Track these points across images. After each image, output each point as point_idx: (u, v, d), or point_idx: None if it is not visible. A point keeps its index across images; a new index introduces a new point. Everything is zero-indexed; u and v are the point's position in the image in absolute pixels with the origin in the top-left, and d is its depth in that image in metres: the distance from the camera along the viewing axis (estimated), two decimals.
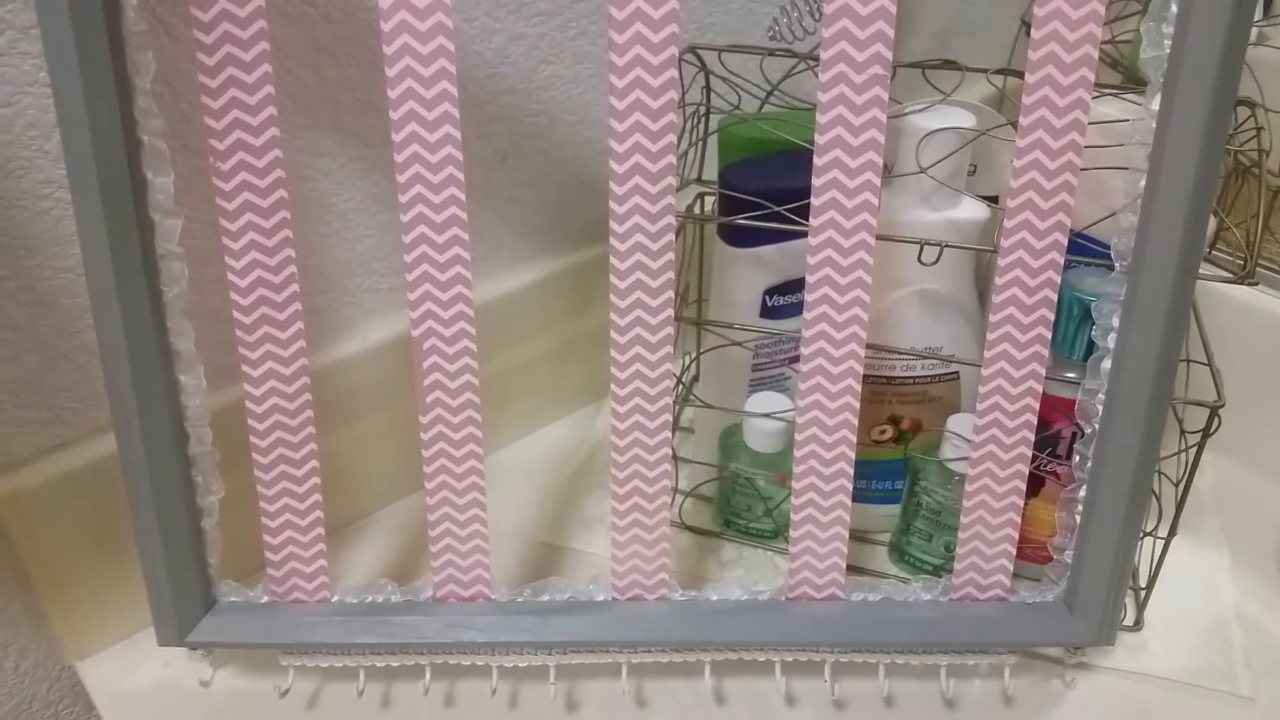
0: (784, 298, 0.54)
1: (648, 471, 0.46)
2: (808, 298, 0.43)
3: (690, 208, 0.60)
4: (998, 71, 0.53)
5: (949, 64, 0.54)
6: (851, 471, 0.45)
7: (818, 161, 0.41)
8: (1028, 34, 0.82)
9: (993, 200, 0.56)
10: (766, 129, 0.51)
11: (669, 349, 0.44)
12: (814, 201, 0.41)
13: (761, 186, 0.50)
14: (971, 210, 0.51)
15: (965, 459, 0.52)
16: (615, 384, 0.45)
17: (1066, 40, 0.39)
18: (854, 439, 0.45)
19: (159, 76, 0.44)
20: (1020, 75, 0.54)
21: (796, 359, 0.57)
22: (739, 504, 0.58)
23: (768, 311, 0.55)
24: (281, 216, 0.42)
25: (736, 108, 0.58)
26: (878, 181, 0.41)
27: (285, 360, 0.44)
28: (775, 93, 0.56)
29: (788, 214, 0.48)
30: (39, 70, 0.43)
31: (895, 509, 0.57)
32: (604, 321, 0.68)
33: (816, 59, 0.57)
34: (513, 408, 0.67)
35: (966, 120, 0.49)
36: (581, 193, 0.64)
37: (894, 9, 0.38)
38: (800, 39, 0.62)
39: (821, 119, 0.40)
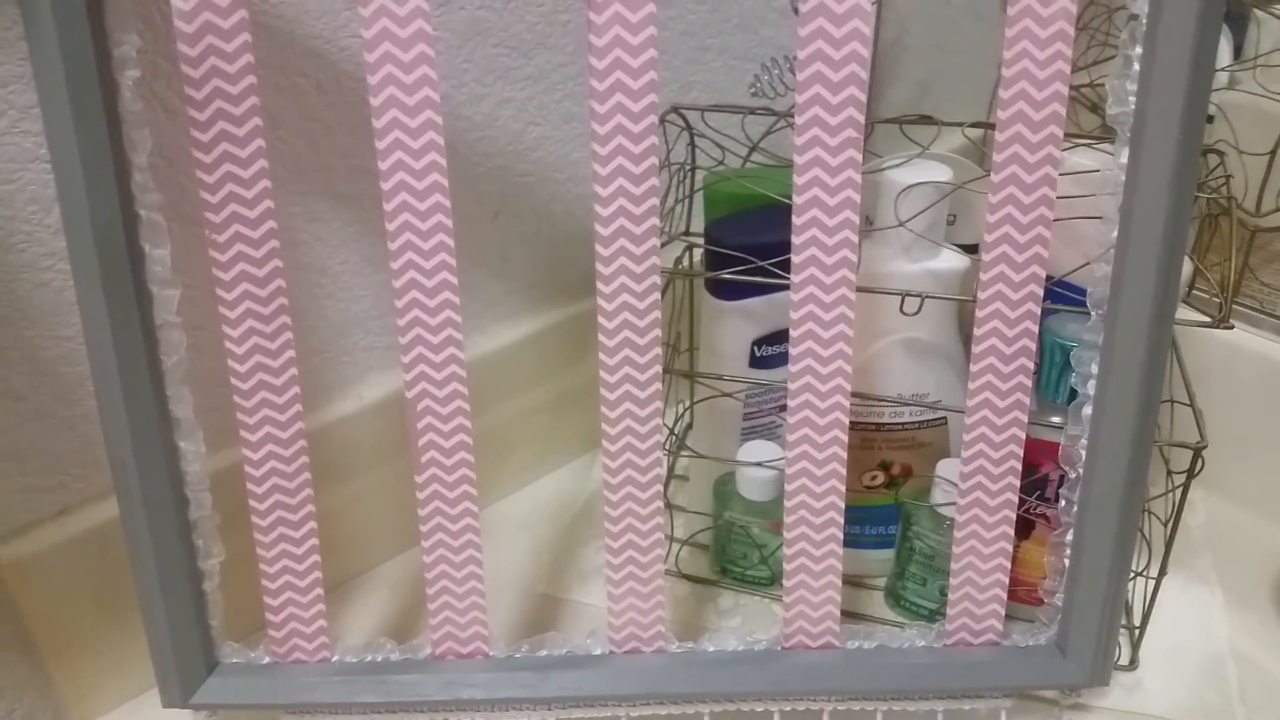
0: (772, 348, 0.55)
1: (641, 525, 0.47)
2: (792, 350, 0.44)
3: (678, 260, 0.61)
4: (972, 125, 0.54)
5: (925, 119, 0.55)
6: (841, 520, 0.46)
7: (796, 217, 0.42)
8: None
9: (972, 249, 0.57)
10: (749, 185, 0.53)
11: (658, 402, 0.45)
12: (794, 256, 0.42)
13: (746, 241, 0.51)
14: (951, 260, 0.52)
15: (955, 504, 0.53)
16: (606, 439, 0.46)
17: (1035, 90, 0.40)
18: (843, 488, 0.46)
19: (156, 149, 0.45)
20: (994, 127, 0.56)
21: (785, 407, 0.59)
22: (734, 552, 0.58)
23: (757, 361, 0.56)
24: (277, 285, 0.43)
25: (720, 163, 0.59)
26: (855, 236, 0.42)
27: (282, 425, 0.45)
28: (757, 150, 0.58)
29: (772, 268, 0.49)
30: (40, 147, 0.44)
31: (889, 554, 0.58)
32: (596, 374, 0.69)
33: (794, 117, 0.58)
34: (509, 460, 0.68)
35: (943, 173, 0.51)
36: (572, 247, 0.65)
37: (864, 72, 0.39)
38: (782, 94, 0.64)
39: (798, 176, 0.41)
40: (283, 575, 0.47)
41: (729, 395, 0.55)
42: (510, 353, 0.64)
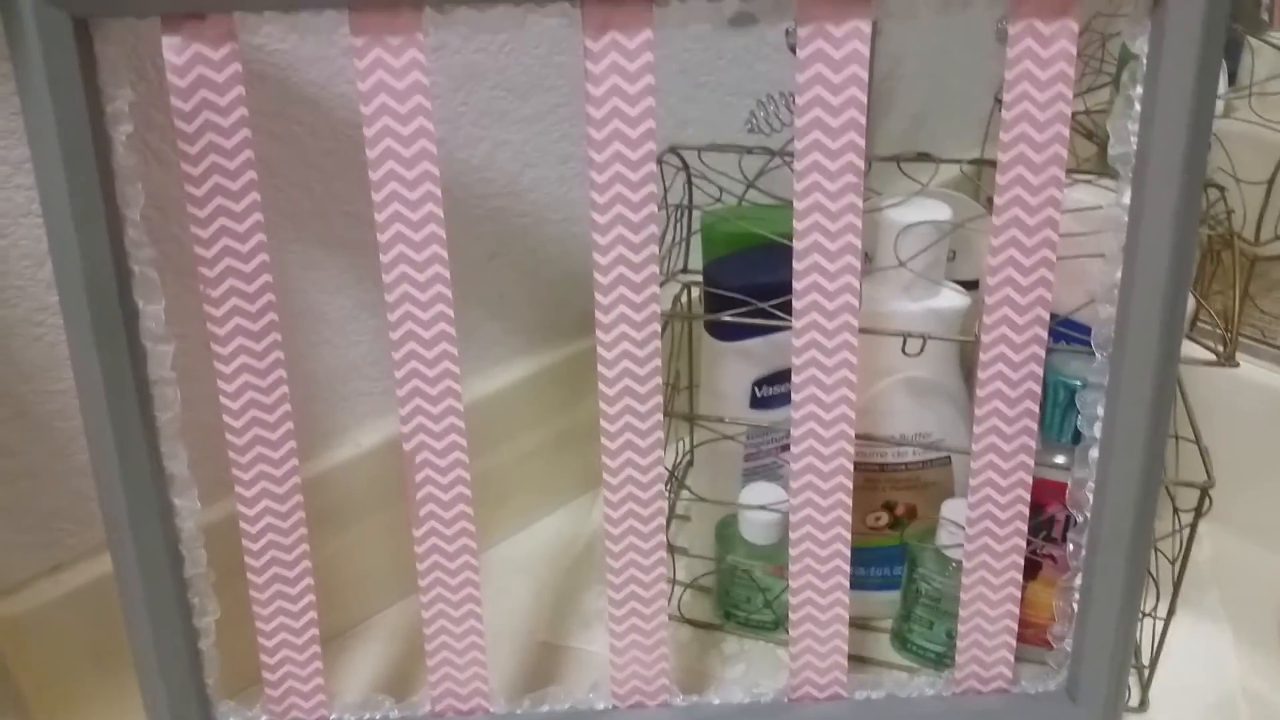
0: (773, 388, 0.55)
1: (643, 574, 0.46)
2: (795, 391, 0.43)
3: (676, 299, 0.60)
4: (971, 162, 0.54)
5: (923, 156, 0.55)
6: (848, 565, 0.45)
7: (797, 256, 0.41)
8: (1004, 111, 0.84)
9: (972, 285, 0.57)
10: (747, 225, 0.52)
11: (659, 450, 0.44)
12: (796, 297, 0.42)
13: (745, 282, 0.51)
14: (952, 299, 0.52)
15: (962, 545, 0.52)
16: (607, 485, 0.45)
17: (1036, 131, 0.40)
18: (848, 533, 0.45)
19: (150, 201, 0.44)
20: (992, 164, 0.56)
21: (786, 448, 0.58)
22: (738, 595, 0.57)
23: (757, 402, 0.55)
24: (272, 339, 0.42)
25: (717, 201, 0.59)
26: (857, 276, 0.41)
27: (278, 478, 0.44)
28: (754, 188, 0.57)
29: (772, 310, 0.49)
30: (32, 202, 0.44)
31: (895, 595, 0.57)
32: (594, 413, 0.69)
33: (792, 154, 0.58)
34: (508, 503, 0.67)
35: (943, 212, 0.50)
36: (569, 287, 0.65)
37: (865, 101, 0.39)
38: (778, 130, 0.64)
39: (799, 219, 0.41)
40: (279, 633, 0.46)
41: (730, 438, 0.54)
42: (508, 395, 0.64)
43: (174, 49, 0.38)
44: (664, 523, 0.46)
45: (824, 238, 0.41)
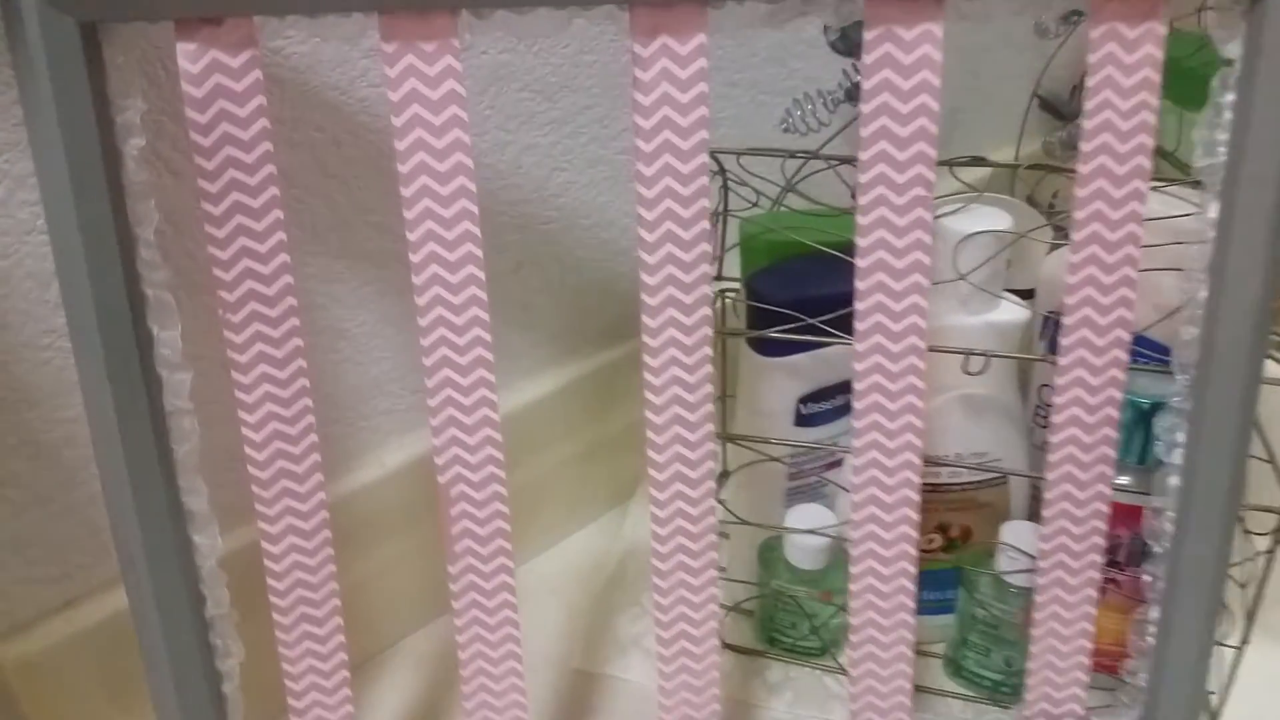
0: (818, 405, 0.52)
1: (693, 595, 0.44)
2: (856, 421, 0.41)
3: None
4: (1031, 167, 0.51)
5: (977, 160, 0.52)
6: (913, 596, 0.43)
7: (861, 273, 0.38)
8: (1041, 107, 0.81)
9: (1027, 294, 0.54)
10: (793, 234, 0.49)
11: (711, 469, 0.42)
12: (858, 308, 0.39)
13: (792, 295, 0.48)
14: (1011, 312, 0.49)
15: (1023, 571, 0.50)
16: (655, 513, 0.42)
17: (1119, 143, 0.37)
18: (914, 566, 0.42)
19: (162, 216, 0.42)
20: (1047, 169, 0.53)
21: (832, 465, 0.55)
22: (782, 621, 0.55)
23: (802, 420, 0.52)
24: (297, 365, 0.40)
25: (754, 205, 0.56)
26: (925, 291, 0.39)
27: (303, 506, 0.41)
28: (792, 192, 0.55)
29: (824, 326, 0.46)
30: (37, 218, 0.41)
31: (948, 619, 0.54)
32: (625, 423, 0.66)
33: (842, 160, 0.55)
34: (536, 520, 0.65)
35: (1002, 220, 0.47)
36: (598, 295, 0.62)
37: (936, 110, 0.36)
38: (815, 130, 0.61)
39: (862, 228, 0.38)
40: (305, 659, 0.44)
41: (776, 460, 0.52)
42: (534, 408, 0.61)
43: (189, 56, 0.35)
44: (716, 548, 0.43)
45: (890, 254, 0.38)
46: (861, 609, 0.43)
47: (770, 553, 0.54)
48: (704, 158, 0.37)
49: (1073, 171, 0.39)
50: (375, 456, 0.55)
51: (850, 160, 0.64)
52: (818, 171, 0.54)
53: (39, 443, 0.44)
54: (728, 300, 0.58)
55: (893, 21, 0.35)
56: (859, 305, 0.39)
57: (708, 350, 0.39)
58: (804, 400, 0.52)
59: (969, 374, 0.46)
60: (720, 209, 0.56)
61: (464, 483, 0.42)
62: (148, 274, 0.38)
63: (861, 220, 0.38)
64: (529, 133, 0.54)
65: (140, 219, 0.37)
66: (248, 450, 0.41)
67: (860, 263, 0.38)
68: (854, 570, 0.43)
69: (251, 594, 0.44)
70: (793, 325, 0.46)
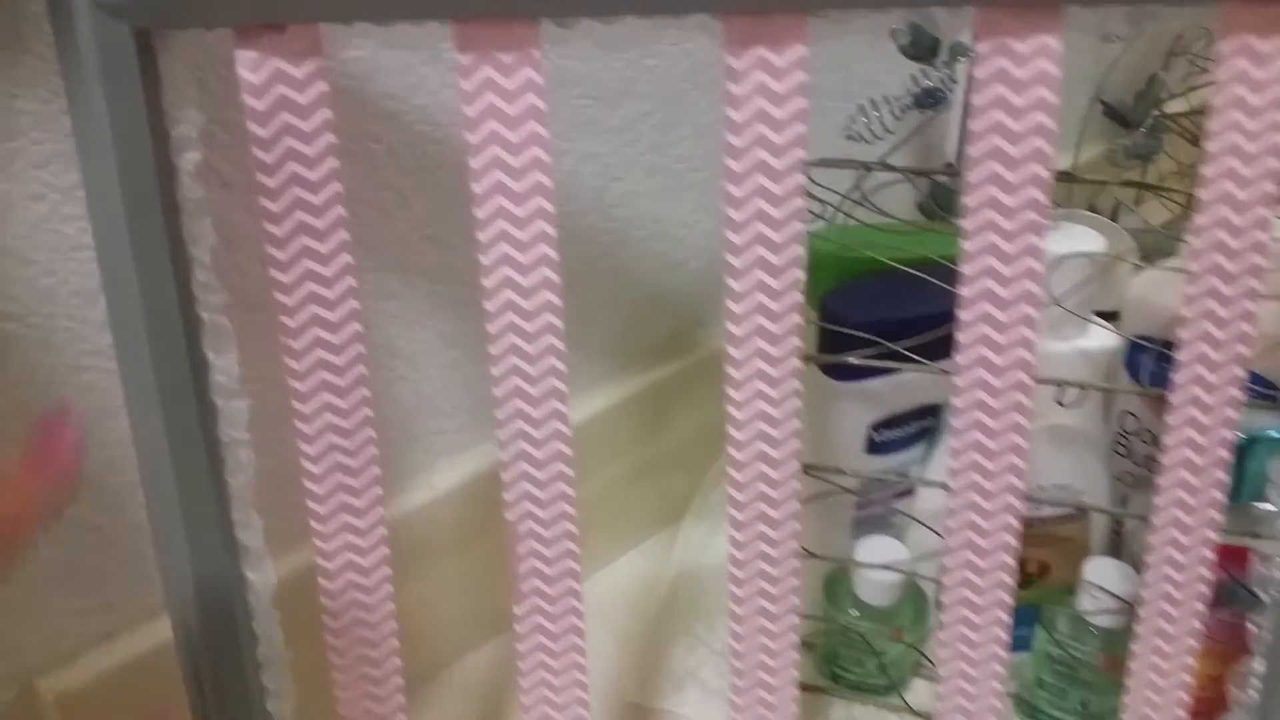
0: (891, 432, 0.50)
1: (770, 642, 0.41)
2: (953, 460, 0.38)
3: None
4: (1124, 184, 0.48)
5: (1064, 175, 0.49)
6: (1006, 648, 0.40)
7: (964, 302, 0.36)
8: (1105, 114, 0.78)
9: (1111, 316, 0.51)
10: (869, 250, 0.47)
11: (795, 504, 0.39)
12: (960, 339, 0.36)
13: (872, 317, 0.46)
14: (1102, 338, 0.46)
15: (1107, 613, 0.47)
16: (733, 554, 0.40)
17: (1244, 166, 0.34)
18: (1009, 615, 0.40)
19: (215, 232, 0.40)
20: (1141, 186, 0.50)
21: (902, 495, 0.53)
22: (847, 657, 0.52)
23: (873, 447, 0.50)
24: (360, 394, 0.37)
25: (819, 217, 0.54)
26: (1034, 323, 0.36)
27: (361, 522, 0.39)
28: (861, 205, 0.52)
29: (905, 352, 0.44)
30: (83, 234, 0.39)
31: (1023, 657, 0.52)
32: (675, 442, 0.64)
33: (918, 172, 0.53)
34: (583, 542, 0.62)
35: (1094, 240, 0.45)
36: (651, 309, 0.60)
37: (1053, 129, 0.33)
38: (880, 138, 0.58)
39: (968, 255, 0.35)
40: (361, 684, 0.42)
41: (848, 491, 0.49)
42: (584, 426, 0.59)
43: (250, 65, 0.33)
44: (797, 588, 0.40)
45: (997, 283, 0.35)
46: (951, 657, 0.41)
47: (837, 586, 0.51)
48: (800, 178, 0.34)
49: (1172, 191, 0.37)
50: (425, 479, 0.53)
51: (926, 172, 0.61)
52: (891, 184, 0.51)
53: (81, 468, 0.42)
54: None
55: (1006, 33, 0.32)
56: (961, 335, 0.36)
57: (796, 384, 0.37)
58: (877, 427, 0.49)
59: (1061, 405, 0.43)
60: None
61: (530, 499, 0.40)
62: (203, 296, 0.36)
63: (967, 245, 0.35)
64: (588, 141, 0.52)
65: (195, 238, 0.35)
66: (306, 478, 0.38)
67: (964, 290, 0.36)
68: (945, 612, 0.40)
69: (297, 626, 0.42)
70: (873, 350, 0.43)
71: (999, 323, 0.36)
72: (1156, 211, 0.62)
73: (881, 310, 0.46)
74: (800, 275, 0.36)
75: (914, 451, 0.51)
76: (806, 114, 0.34)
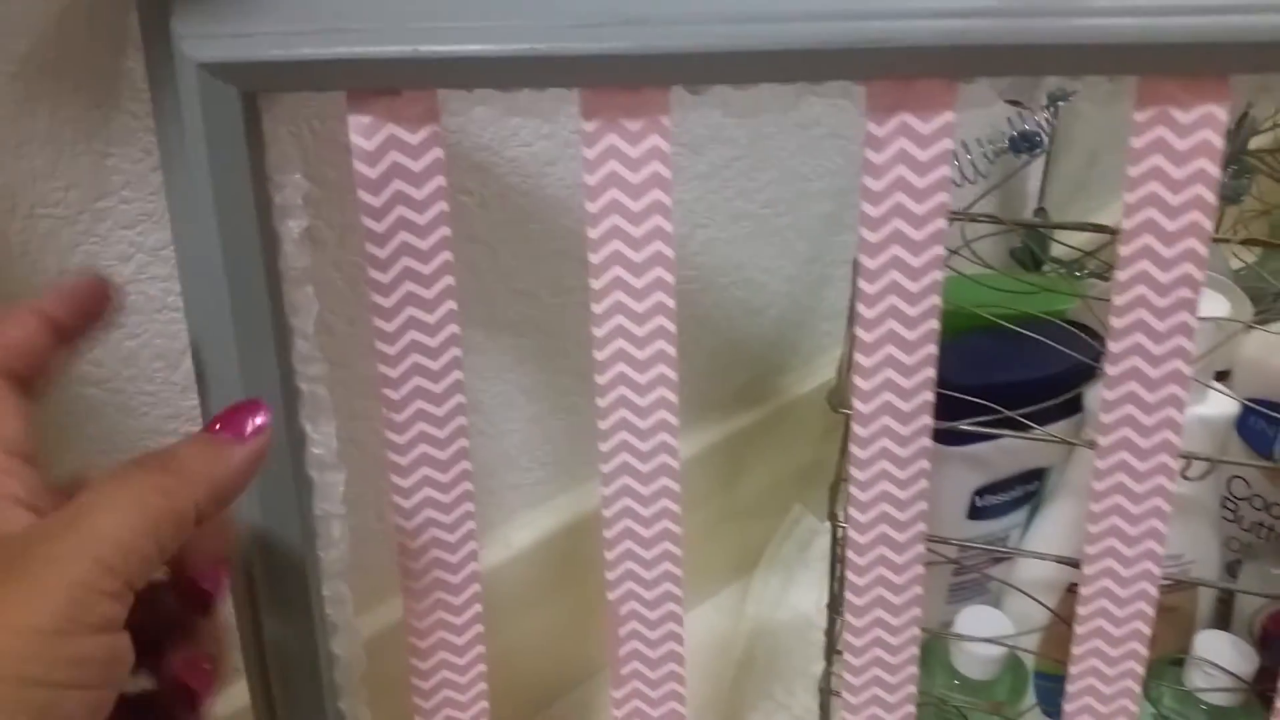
0: (994, 497, 0.48)
1: (887, 714, 0.39)
2: (1089, 545, 0.36)
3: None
4: (1244, 242, 0.46)
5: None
6: None
7: (1110, 381, 0.34)
8: None
9: (1222, 377, 0.49)
10: (975, 307, 0.45)
11: (918, 588, 0.37)
12: (1103, 419, 0.34)
13: (981, 381, 0.44)
14: (1220, 405, 0.44)
15: (1219, 690, 0.45)
16: (851, 632, 0.38)
17: None
18: (1138, 699, 0.38)
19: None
20: (1260, 244, 0.48)
21: (1000, 560, 0.51)
22: None
23: (975, 512, 0.48)
24: (461, 459, 0.36)
25: None
26: (1183, 405, 0.34)
27: (455, 582, 0.37)
28: (955, 254, 0.50)
29: (1021, 419, 0.42)
30: (168, 294, 0.38)
31: None
32: (752, 492, 0.62)
33: (1030, 224, 0.50)
34: None
35: (1220, 306, 0.43)
36: (731, 357, 0.58)
37: (1213, 203, 0.31)
38: (973, 181, 0.56)
39: (1116, 332, 0.33)
40: None
41: (950, 560, 0.47)
42: None
43: (362, 131, 0.31)
44: (916, 671, 0.38)
45: (1146, 362, 0.33)
46: None
47: (931, 656, 0.49)
48: (940, 250, 0.32)
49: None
50: (500, 535, 0.51)
51: (1035, 225, 0.59)
52: (989, 235, 0.49)
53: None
54: None
55: (1170, 102, 0.30)
56: (1104, 416, 0.34)
57: (925, 464, 0.35)
58: (979, 492, 0.47)
59: (1187, 479, 0.41)
60: None
61: (631, 539, 0.37)
62: (303, 368, 0.34)
63: (1115, 322, 0.33)
64: (674, 187, 0.50)
65: (297, 308, 0.33)
66: (400, 534, 0.37)
67: (1111, 368, 0.34)
68: (1071, 683, 0.38)
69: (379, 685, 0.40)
70: (991, 419, 0.41)
71: (1145, 403, 0.34)
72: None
73: (989, 372, 0.44)
74: (934, 350, 0.34)
75: (1016, 516, 0.49)
76: (949, 183, 0.32)
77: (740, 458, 0.60)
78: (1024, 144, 0.54)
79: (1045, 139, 0.54)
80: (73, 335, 0.29)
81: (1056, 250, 0.59)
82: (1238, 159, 0.68)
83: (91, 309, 0.29)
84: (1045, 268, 0.57)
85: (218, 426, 0.29)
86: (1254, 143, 0.73)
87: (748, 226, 0.54)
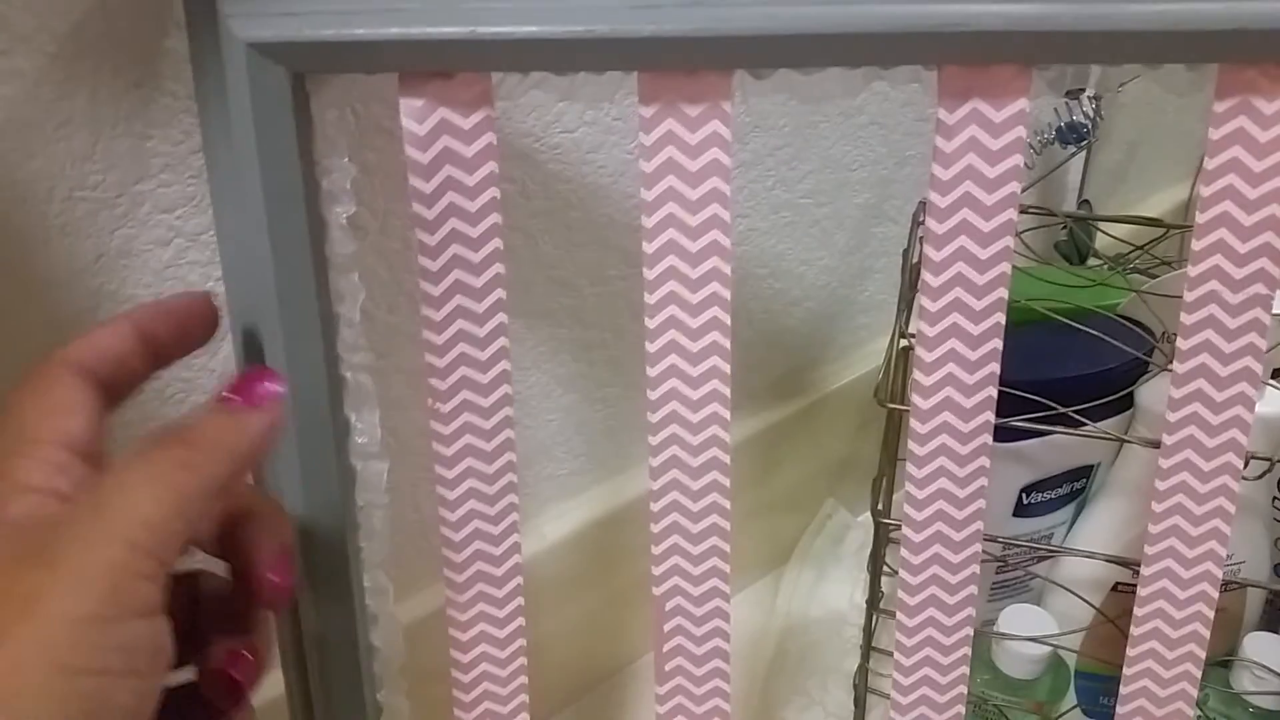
0: (1041, 494, 0.47)
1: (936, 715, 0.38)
2: (1149, 546, 0.35)
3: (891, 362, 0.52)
4: None
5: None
6: None
7: (1178, 379, 0.33)
8: None
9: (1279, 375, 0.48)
10: (1031, 303, 0.44)
11: (975, 575, 0.36)
12: (1169, 417, 0.33)
13: (1032, 376, 0.42)
14: (1277, 403, 0.43)
15: (1269, 694, 0.44)
16: (902, 631, 0.37)
17: None
18: (1196, 692, 0.37)
19: None
20: None
21: (1044, 559, 0.50)
22: None
23: (1021, 510, 0.47)
24: (506, 450, 0.35)
25: None
26: (1253, 404, 0.33)
27: (498, 574, 0.37)
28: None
29: (1075, 415, 0.41)
30: (206, 280, 0.37)
31: None
32: (785, 486, 0.61)
33: (1081, 218, 0.49)
34: None
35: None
36: (766, 349, 0.57)
37: None
38: (1031, 167, 0.55)
39: (1186, 329, 0.32)
40: None
41: (996, 559, 0.46)
42: None
43: (414, 114, 0.30)
44: (966, 678, 0.38)
45: (1217, 360, 0.32)
46: None
47: (972, 654, 0.48)
48: (1009, 242, 0.31)
49: None
50: (534, 526, 0.51)
51: (1086, 218, 0.58)
52: (1035, 227, 0.48)
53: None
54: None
55: (1252, 91, 0.29)
56: (1170, 414, 0.33)
57: (985, 462, 0.34)
58: (1026, 490, 0.46)
59: (1244, 479, 0.40)
60: (917, 260, 0.51)
61: (679, 511, 0.37)
62: (348, 356, 0.33)
63: (1186, 318, 0.32)
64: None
65: (343, 295, 0.32)
66: (443, 525, 0.36)
67: (1179, 366, 0.33)
68: (1125, 691, 0.37)
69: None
70: (1044, 414, 0.40)
71: (1213, 401, 0.33)
72: None
73: (1041, 368, 0.43)
74: (999, 345, 0.33)
75: (1062, 514, 0.48)
76: (1021, 172, 0.31)
77: (774, 451, 0.59)
78: (1071, 135, 0.52)
79: (1091, 130, 0.53)
80: (166, 353, 0.29)
81: (1100, 244, 0.58)
82: None
83: (190, 329, 0.29)
84: (1090, 262, 0.56)
85: (232, 395, 0.28)
86: None
87: (787, 216, 0.53)
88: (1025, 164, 0.55)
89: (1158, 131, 0.72)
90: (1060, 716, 0.49)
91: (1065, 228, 0.56)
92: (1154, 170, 0.73)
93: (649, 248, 0.32)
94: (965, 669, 0.38)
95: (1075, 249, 0.55)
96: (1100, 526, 0.47)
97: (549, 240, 0.44)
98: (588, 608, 0.53)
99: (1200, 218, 0.31)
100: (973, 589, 0.36)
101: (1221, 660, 0.46)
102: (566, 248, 0.44)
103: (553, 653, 0.53)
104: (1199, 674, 0.37)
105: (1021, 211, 0.46)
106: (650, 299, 0.32)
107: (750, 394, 0.57)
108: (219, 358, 0.38)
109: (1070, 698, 0.49)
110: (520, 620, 0.38)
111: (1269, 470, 0.39)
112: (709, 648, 0.38)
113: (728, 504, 0.36)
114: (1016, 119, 0.30)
